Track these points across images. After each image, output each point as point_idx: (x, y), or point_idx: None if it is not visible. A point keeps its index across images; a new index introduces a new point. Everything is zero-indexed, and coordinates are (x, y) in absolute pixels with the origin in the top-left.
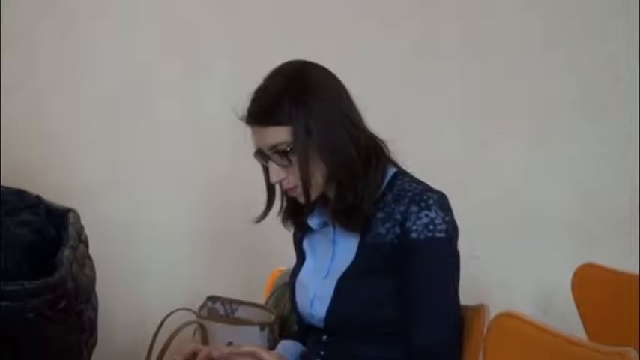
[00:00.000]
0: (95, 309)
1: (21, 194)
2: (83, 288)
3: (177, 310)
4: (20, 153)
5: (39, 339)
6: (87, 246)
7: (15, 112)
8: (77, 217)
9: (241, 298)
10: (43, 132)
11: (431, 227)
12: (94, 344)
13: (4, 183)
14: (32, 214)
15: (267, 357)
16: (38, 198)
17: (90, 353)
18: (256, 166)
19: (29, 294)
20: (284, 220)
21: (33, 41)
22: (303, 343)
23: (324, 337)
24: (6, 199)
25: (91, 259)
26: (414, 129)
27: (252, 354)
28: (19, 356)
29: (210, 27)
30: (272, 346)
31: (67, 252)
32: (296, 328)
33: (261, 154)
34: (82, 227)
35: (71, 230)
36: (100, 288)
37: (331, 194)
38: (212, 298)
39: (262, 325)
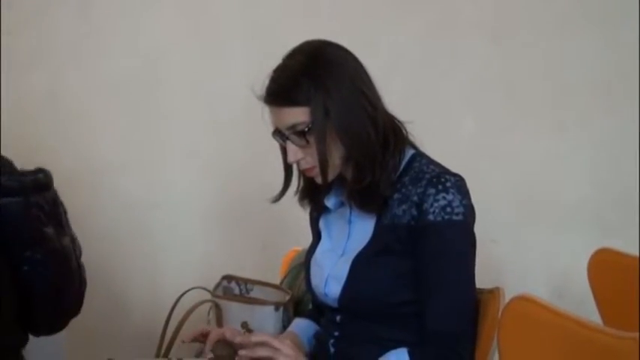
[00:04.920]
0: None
1: None
2: None
3: (192, 288)
4: (37, 132)
5: (41, 240)
6: None
7: (32, 91)
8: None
9: (256, 278)
10: (60, 111)
11: (448, 210)
12: (80, 254)
13: (19, 162)
14: None
15: (279, 345)
16: None
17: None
18: (273, 147)
19: (29, 190)
20: (301, 200)
21: (50, 20)
22: (318, 323)
23: (338, 318)
24: None
25: None
26: (431, 112)
27: (264, 343)
28: (20, 261)
29: (228, 7)
30: (286, 326)
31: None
32: (310, 307)
33: (279, 134)
34: None
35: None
36: (116, 266)
37: (348, 174)
38: (227, 278)
39: (277, 305)
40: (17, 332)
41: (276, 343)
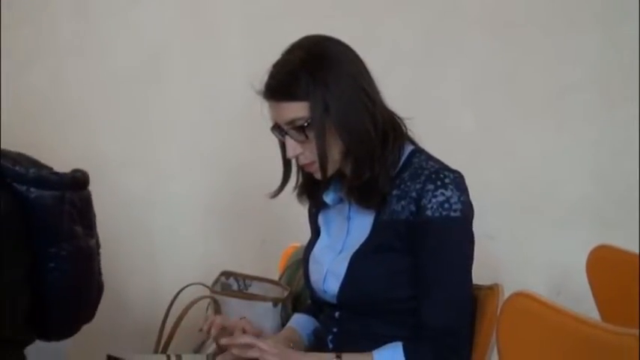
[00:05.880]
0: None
1: None
2: None
3: (191, 284)
4: (36, 129)
5: (70, 236)
6: None
7: (32, 88)
8: None
9: (255, 274)
10: (59, 109)
11: (446, 206)
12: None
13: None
14: None
15: (265, 347)
16: None
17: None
18: (273, 143)
19: (66, 185)
20: (299, 195)
21: (50, 18)
22: (317, 318)
23: (337, 314)
24: None
25: None
26: (431, 108)
27: (251, 345)
28: (44, 258)
29: (228, 3)
30: (285, 322)
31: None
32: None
33: (278, 129)
34: None
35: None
36: (115, 262)
37: (347, 170)
38: (226, 274)
39: (275, 301)
40: (26, 332)
41: (261, 344)
